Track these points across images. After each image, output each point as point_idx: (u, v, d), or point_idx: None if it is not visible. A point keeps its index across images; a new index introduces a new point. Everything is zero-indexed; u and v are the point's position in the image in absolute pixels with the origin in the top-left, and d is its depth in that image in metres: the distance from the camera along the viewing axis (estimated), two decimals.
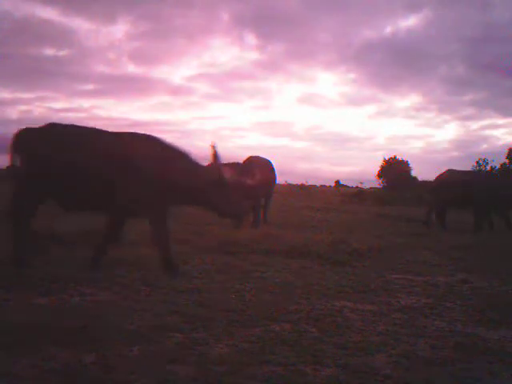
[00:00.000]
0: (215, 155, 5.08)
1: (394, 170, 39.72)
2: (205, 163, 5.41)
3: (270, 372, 2.78)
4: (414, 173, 40.72)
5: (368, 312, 4.17)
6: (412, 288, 5.18)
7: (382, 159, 42.56)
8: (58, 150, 4.94)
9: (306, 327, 3.66)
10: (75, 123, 5.24)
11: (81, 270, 4.97)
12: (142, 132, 5.36)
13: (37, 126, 5.14)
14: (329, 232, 8.77)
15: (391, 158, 42.59)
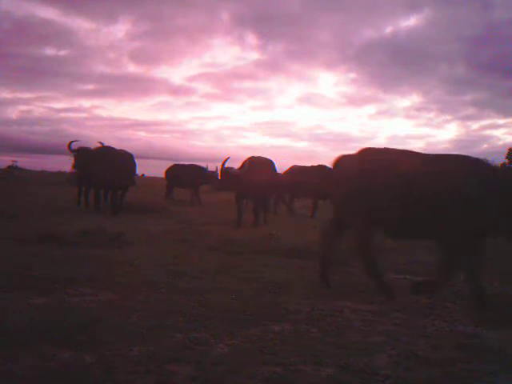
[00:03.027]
0: None
1: None
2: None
3: (270, 372, 2.78)
4: None
5: (368, 312, 4.17)
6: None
7: None
8: (386, 175, 4.70)
9: (306, 327, 3.66)
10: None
11: (81, 270, 4.97)
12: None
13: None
14: None
15: None
